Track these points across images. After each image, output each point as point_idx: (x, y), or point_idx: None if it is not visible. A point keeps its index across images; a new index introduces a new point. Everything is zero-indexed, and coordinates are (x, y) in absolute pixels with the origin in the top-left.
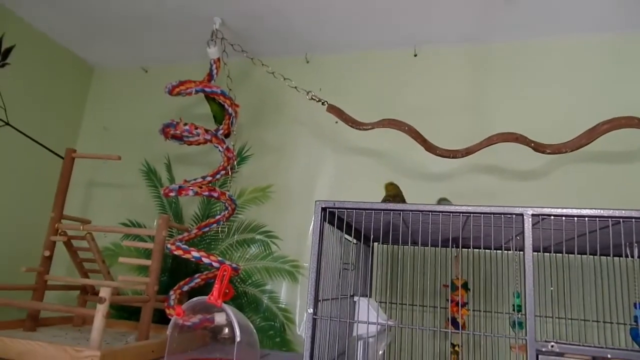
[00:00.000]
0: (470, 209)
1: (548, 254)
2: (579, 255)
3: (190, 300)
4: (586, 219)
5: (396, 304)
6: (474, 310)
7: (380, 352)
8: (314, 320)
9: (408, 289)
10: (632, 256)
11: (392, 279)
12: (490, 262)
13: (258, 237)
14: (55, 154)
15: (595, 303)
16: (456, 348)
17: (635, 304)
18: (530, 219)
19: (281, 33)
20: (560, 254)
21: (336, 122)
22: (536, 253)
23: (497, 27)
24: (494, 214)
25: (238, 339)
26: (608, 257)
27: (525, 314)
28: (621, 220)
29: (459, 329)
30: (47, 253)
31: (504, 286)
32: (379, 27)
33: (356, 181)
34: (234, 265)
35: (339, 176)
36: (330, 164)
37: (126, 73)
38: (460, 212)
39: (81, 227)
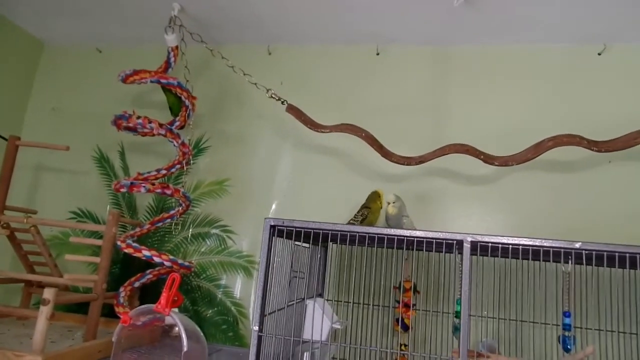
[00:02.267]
0: (415, 233)
1: (486, 257)
2: (514, 259)
3: (138, 308)
4: (520, 247)
5: (347, 302)
6: (422, 311)
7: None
8: (259, 337)
9: (360, 288)
10: (567, 262)
11: (344, 278)
12: (439, 264)
13: (214, 231)
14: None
15: (529, 304)
16: (402, 348)
17: (564, 313)
18: (469, 245)
19: (244, 21)
20: (497, 258)
21: None
22: (474, 256)
23: (460, 31)
24: (436, 239)
25: (185, 349)
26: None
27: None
28: (551, 250)
29: (405, 329)
30: None
31: (450, 288)
32: (343, 22)
33: (315, 178)
34: (186, 263)
35: (298, 172)
36: (289, 160)
37: (79, 52)
38: (405, 237)
39: (25, 220)
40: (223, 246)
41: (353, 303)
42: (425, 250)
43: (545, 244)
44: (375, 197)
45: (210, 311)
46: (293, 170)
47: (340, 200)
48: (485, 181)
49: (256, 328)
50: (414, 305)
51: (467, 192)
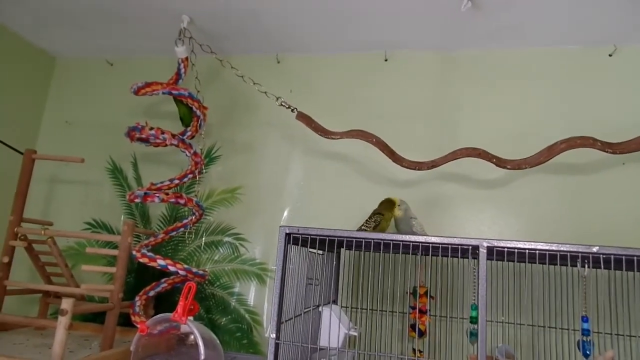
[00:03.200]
0: (430, 239)
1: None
2: (529, 264)
3: (155, 317)
4: (537, 252)
5: (361, 309)
6: (437, 316)
7: None
8: (277, 345)
9: (374, 294)
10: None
11: (358, 284)
12: (453, 269)
13: (226, 239)
14: (15, 149)
15: (544, 309)
16: (416, 353)
17: (582, 317)
18: (485, 251)
19: (252, 32)
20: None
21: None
22: (489, 261)
23: (468, 35)
24: (451, 244)
25: (202, 356)
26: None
27: (478, 336)
28: (568, 254)
29: (420, 335)
30: (5, 259)
31: (464, 293)
32: (351, 29)
33: (325, 185)
34: (200, 271)
35: (309, 179)
36: (299, 167)
37: (90, 65)
38: (420, 243)
39: (42, 232)
40: (236, 254)
41: (367, 310)
42: (441, 256)
43: (562, 249)
44: (390, 205)
45: (225, 319)
46: (304, 177)
47: (351, 206)
48: (496, 185)
49: (273, 335)
50: (429, 310)
51: (478, 196)
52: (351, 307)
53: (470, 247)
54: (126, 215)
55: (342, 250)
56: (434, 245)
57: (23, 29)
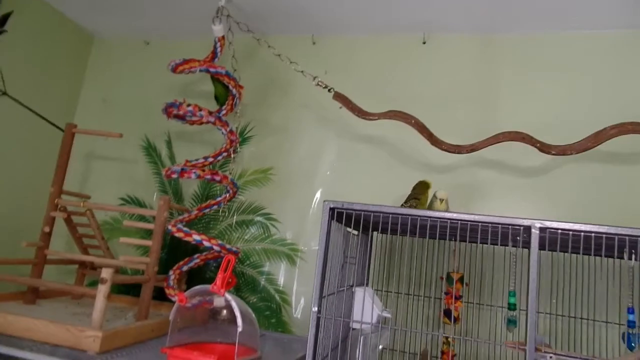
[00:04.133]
0: (478, 218)
1: (543, 251)
2: (573, 254)
3: (193, 288)
4: (592, 234)
5: (392, 292)
6: (470, 303)
7: (380, 347)
8: (318, 319)
9: (405, 278)
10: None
11: (389, 267)
12: (487, 256)
13: (258, 218)
14: (55, 125)
15: (587, 301)
16: (449, 339)
17: (628, 309)
18: (537, 232)
19: (288, 12)
20: (554, 252)
21: (340, 107)
22: (524, 249)
23: (510, 19)
24: (502, 224)
25: (240, 329)
26: (602, 258)
27: (526, 322)
28: (627, 238)
29: (452, 321)
30: (47, 229)
31: (498, 281)
32: (388, 10)
33: (358, 168)
34: (234, 248)
35: (341, 162)
36: (333, 149)
37: (127, 44)
38: (468, 221)
39: (81, 204)
40: (267, 234)
41: (399, 293)
42: (480, 242)
43: (621, 232)
44: (424, 188)
45: (254, 297)
46: (336, 160)
47: (384, 190)
48: (535, 173)
49: (315, 309)
50: (461, 296)
51: (516, 183)
52: (381, 290)
53: (521, 227)
54: (160, 192)
55: (376, 233)
56: (483, 224)
57: (65, 6)
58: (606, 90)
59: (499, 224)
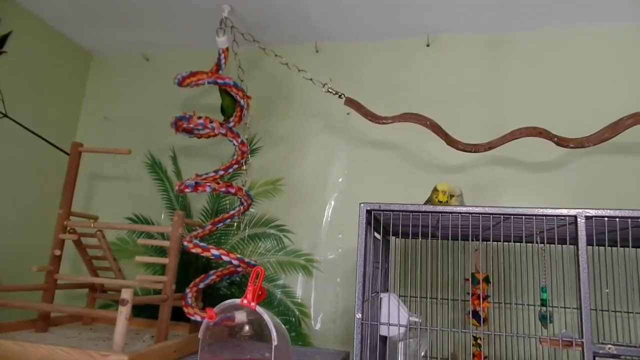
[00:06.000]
0: (524, 211)
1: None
2: (622, 248)
3: (223, 303)
4: None
5: (415, 297)
6: (496, 303)
7: (422, 354)
8: (362, 325)
9: (427, 282)
10: None
11: (409, 272)
12: (509, 254)
13: (270, 231)
14: (57, 147)
15: (611, 294)
16: (478, 341)
17: None
18: (584, 221)
19: (291, 21)
20: (600, 247)
21: (348, 114)
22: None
23: (517, 16)
24: (546, 215)
25: (275, 342)
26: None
27: (581, 315)
28: None
29: (480, 322)
30: (57, 252)
31: (522, 278)
32: (390, 15)
33: (370, 173)
34: (252, 262)
35: (352, 169)
36: (342, 156)
37: (126, 60)
38: (515, 215)
39: (92, 225)
40: (280, 245)
41: (424, 298)
42: (503, 241)
43: None
44: (436, 193)
45: (271, 311)
46: (347, 167)
47: (399, 194)
48: (550, 167)
49: (359, 315)
50: (488, 296)
51: (531, 179)
52: (405, 296)
53: (567, 217)
54: (167, 210)
55: (394, 238)
56: (527, 216)
57: (62, 25)
58: (618, 82)
59: (543, 215)
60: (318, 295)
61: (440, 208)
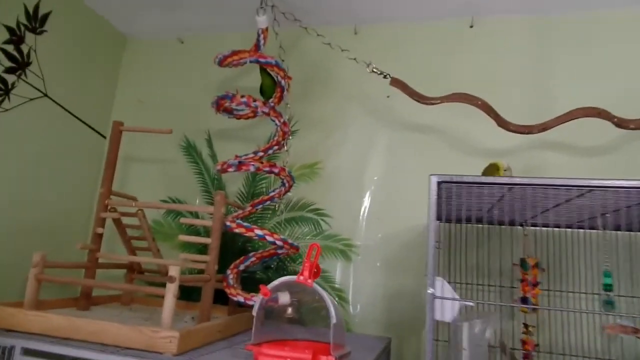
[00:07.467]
0: (620, 183)
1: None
2: None
3: (277, 280)
4: None
5: (461, 283)
6: (545, 290)
7: (488, 336)
8: (434, 301)
9: (471, 268)
10: None
11: (454, 258)
12: (560, 240)
13: (308, 215)
14: (93, 129)
15: None
16: (529, 329)
17: None
18: None
19: (330, 1)
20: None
21: (388, 97)
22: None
23: None
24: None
25: (334, 320)
26: None
27: None
28: None
29: (529, 309)
30: (100, 230)
31: (574, 265)
32: None
33: (411, 157)
34: (295, 243)
35: (392, 152)
36: (382, 140)
37: (160, 44)
38: (610, 187)
39: (133, 204)
40: (318, 230)
41: (471, 284)
42: (560, 227)
43: None
44: (494, 170)
45: (308, 297)
46: (387, 150)
47: None
48: (604, 151)
49: (431, 290)
50: (539, 283)
51: (581, 164)
52: (454, 282)
53: None
54: (202, 193)
55: (438, 222)
56: (615, 188)
57: (99, 6)
58: None
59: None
60: (357, 281)
61: (518, 179)
